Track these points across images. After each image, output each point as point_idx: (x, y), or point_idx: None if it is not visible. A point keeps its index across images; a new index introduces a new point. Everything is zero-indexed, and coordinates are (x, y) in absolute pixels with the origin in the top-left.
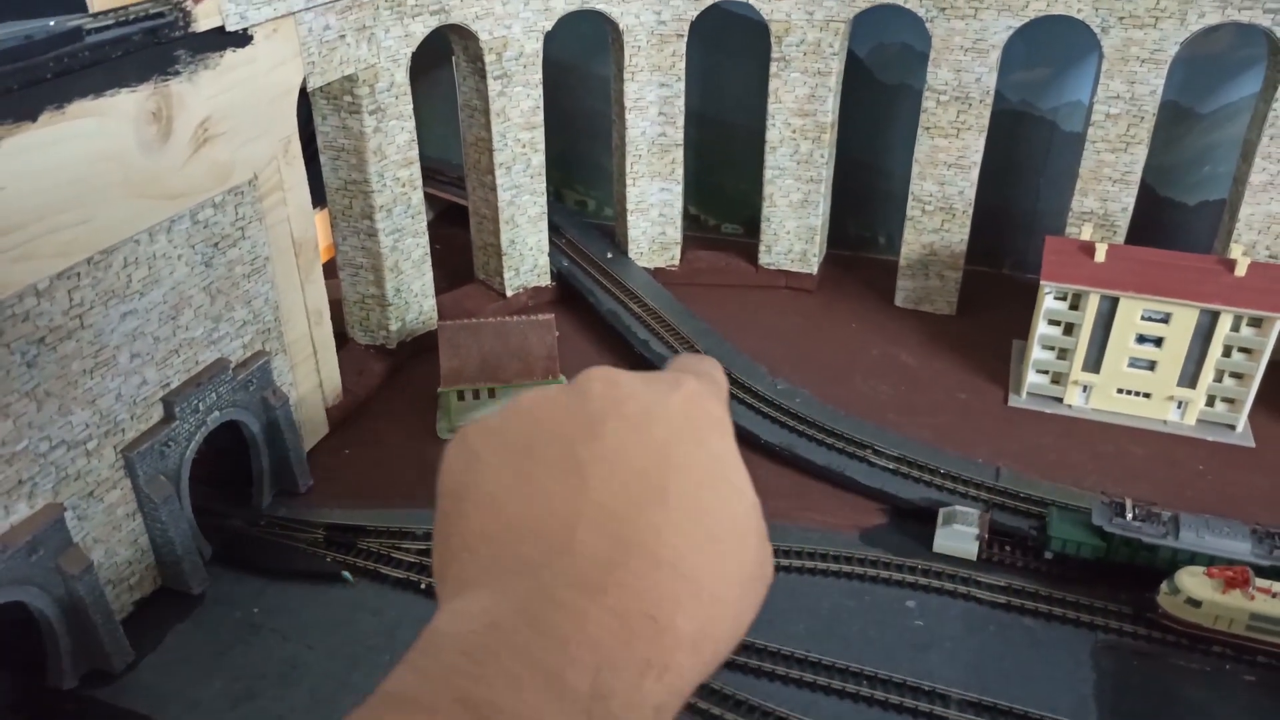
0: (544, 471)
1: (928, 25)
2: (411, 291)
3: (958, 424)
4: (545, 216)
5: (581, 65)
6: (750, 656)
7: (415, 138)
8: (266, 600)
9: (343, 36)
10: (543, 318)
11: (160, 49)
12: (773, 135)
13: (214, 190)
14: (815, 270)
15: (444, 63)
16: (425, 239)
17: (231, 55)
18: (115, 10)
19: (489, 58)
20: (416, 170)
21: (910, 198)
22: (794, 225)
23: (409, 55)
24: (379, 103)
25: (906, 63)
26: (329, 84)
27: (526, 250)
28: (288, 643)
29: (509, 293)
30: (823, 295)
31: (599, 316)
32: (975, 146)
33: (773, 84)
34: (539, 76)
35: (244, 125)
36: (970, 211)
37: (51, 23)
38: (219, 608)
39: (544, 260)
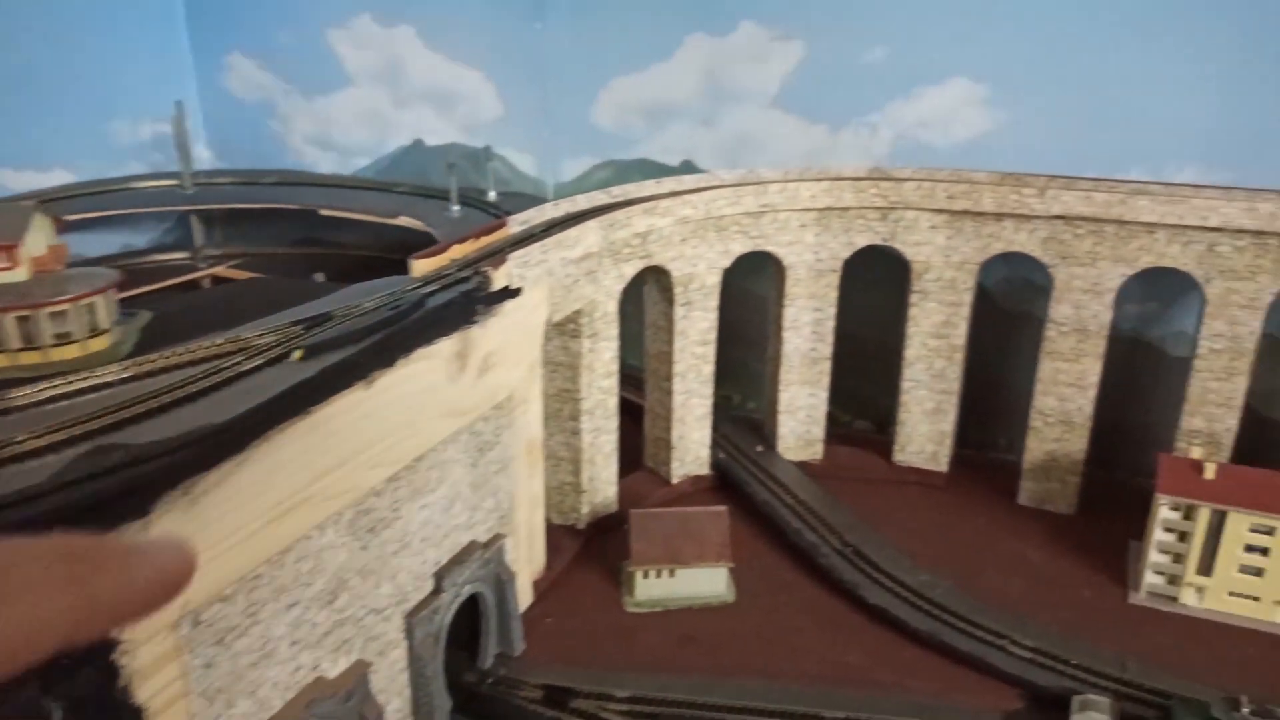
0: None
1: (1050, 270)
2: (601, 479)
3: (1083, 618)
4: (709, 416)
5: (739, 283)
6: None
7: (617, 354)
8: None
9: (577, 281)
10: (718, 509)
11: (469, 305)
12: (910, 353)
13: (486, 407)
14: (945, 469)
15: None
16: (615, 436)
17: (509, 304)
18: (432, 276)
19: (677, 289)
20: (615, 380)
21: (1033, 410)
22: (927, 429)
23: (620, 290)
24: (595, 328)
25: (1029, 295)
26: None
27: (692, 444)
28: None
29: (674, 479)
30: (951, 491)
31: (755, 505)
32: (1093, 370)
33: (911, 311)
34: (715, 303)
35: (510, 355)
36: (1089, 425)
37: (390, 282)
38: None
39: (705, 453)
